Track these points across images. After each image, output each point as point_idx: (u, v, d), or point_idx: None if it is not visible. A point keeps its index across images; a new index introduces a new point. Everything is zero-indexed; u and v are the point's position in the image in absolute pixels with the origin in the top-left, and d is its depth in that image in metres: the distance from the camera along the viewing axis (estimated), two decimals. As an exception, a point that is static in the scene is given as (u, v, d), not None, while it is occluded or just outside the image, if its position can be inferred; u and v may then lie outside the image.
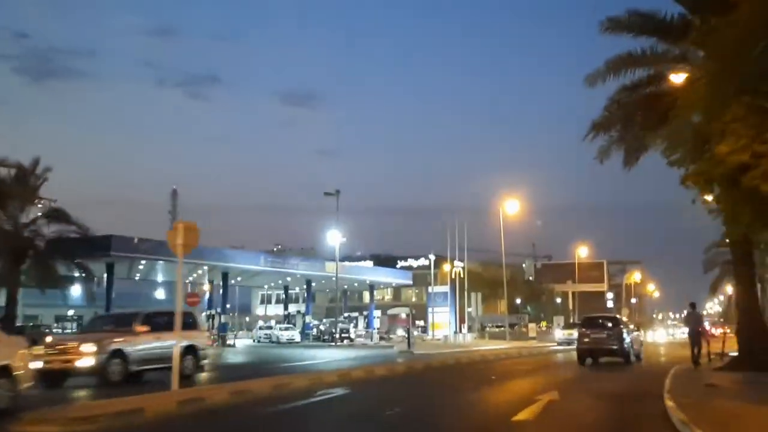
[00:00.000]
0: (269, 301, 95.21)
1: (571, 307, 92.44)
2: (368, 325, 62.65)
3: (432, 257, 65.81)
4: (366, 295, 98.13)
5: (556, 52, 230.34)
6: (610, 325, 24.27)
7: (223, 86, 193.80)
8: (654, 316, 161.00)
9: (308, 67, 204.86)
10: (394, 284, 67.04)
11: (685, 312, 29.76)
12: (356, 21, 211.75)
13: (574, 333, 31.02)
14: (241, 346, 47.92)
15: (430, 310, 69.77)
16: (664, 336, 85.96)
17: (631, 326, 32.34)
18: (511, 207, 52.90)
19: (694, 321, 22.79)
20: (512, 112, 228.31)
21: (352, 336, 55.65)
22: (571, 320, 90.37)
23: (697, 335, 21.87)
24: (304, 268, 56.78)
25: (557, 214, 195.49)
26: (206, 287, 58.37)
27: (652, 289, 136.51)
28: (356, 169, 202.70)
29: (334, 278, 49.98)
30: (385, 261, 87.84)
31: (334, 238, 48.19)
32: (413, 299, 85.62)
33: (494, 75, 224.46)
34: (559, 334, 50.12)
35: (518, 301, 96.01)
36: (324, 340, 54.61)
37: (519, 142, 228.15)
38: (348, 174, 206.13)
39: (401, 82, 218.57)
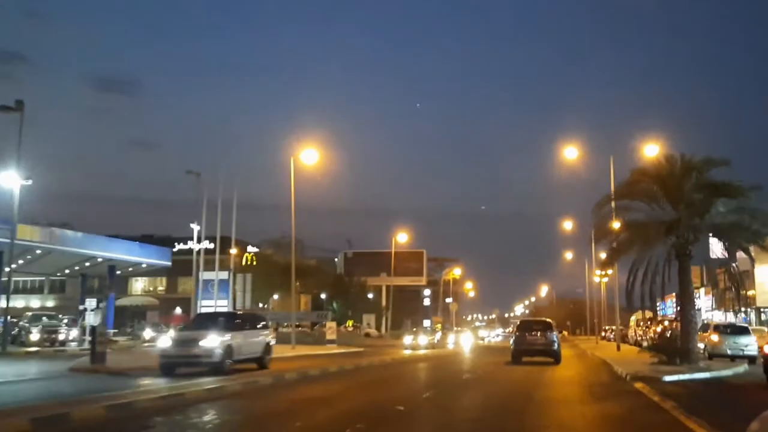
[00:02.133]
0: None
1: (384, 303, 78.88)
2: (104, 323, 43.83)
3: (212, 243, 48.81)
4: (134, 283, 77.55)
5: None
6: (543, 329, 26.13)
7: (29, 66, 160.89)
8: (464, 317, 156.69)
9: (126, 52, 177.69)
10: (144, 265, 48.72)
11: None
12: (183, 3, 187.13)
13: (422, 338, 42.65)
14: None
15: (202, 303, 52.31)
16: (470, 340, 71.43)
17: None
18: (309, 157, 37.30)
19: None
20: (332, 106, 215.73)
21: (68, 337, 37.28)
22: (384, 320, 77.77)
23: None
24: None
25: (382, 213, 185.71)
26: None
27: (470, 288, 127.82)
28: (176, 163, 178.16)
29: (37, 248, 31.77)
30: (160, 243, 69.90)
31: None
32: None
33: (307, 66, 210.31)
34: (408, 339, 45.47)
35: (323, 296, 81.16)
36: (22, 343, 35.72)
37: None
38: (168, 166, 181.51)
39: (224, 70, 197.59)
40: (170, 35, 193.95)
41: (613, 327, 77.74)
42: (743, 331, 26.89)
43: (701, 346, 28.33)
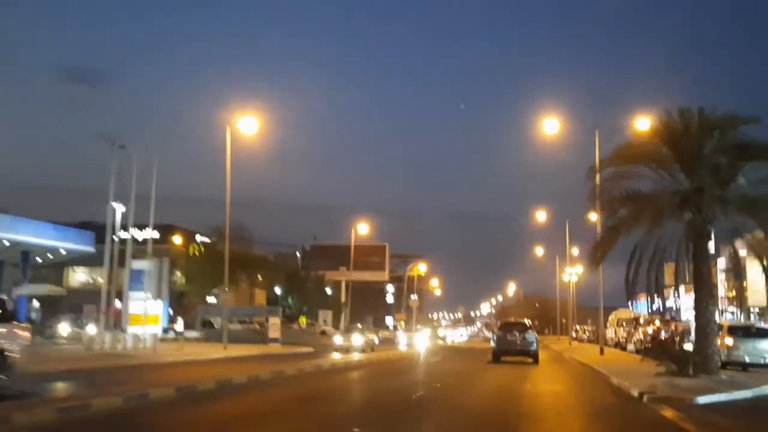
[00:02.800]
0: None
1: (343, 299, 73.64)
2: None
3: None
4: (72, 274, 71.07)
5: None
6: (522, 330, 26.47)
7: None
8: (430, 315, 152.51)
9: (94, 42, 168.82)
10: (63, 251, 42.64)
11: None
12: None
13: (357, 338, 33.87)
14: None
15: (131, 295, 46.45)
16: (427, 340, 64.11)
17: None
18: (247, 126, 32.04)
19: None
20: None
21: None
22: (343, 317, 72.57)
23: None
24: None
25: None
26: None
27: (436, 285, 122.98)
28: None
29: None
30: (98, 230, 63.82)
31: None
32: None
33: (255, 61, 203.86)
34: (339, 339, 35.84)
35: (278, 290, 75.62)
36: None
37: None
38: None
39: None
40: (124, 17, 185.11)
41: (586, 327, 74.28)
42: (766, 334, 22.12)
43: (689, 348, 23.82)
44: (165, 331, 45.02)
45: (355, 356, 28.60)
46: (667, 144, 17.53)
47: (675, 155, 17.47)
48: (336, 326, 69.88)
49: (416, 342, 42.77)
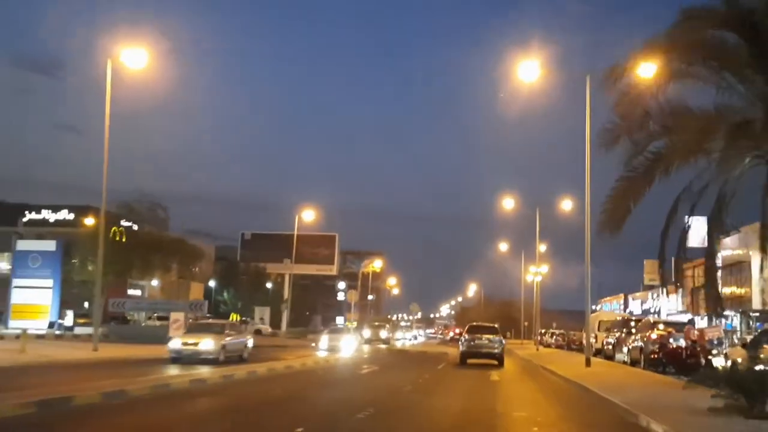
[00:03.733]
0: None
1: (285, 296, 66.04)
2: None
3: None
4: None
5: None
6: (489, 333, 26.45)
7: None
8: (389, 316, 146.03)
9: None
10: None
11: None
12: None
13: (207, 342, 20.65)
14: None
15: (15, 282, 38.39)
16: (354, 342, 50.56)
17: None
18: (134, 58, 24.24)
19: None
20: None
21: None
22: (285, 315, 64.98)
23: None
24: None
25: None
26: None
27: (393, 284, 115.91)
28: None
29: None
30: (8, 210, 56.04)
31: None
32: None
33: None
34: (176, 344, 21.22)
35: (212, 283, 67.86)
36: None
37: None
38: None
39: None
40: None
41: (554, 330, 67.85)
42: None
43: (719, 363, 17.08)
44: (51, 326, 37.13)
45: (204, 371, 17.11)
46: (736, 29, 10.51)
47: (749, 48, 10.45)
48: (276, 325, 62.49)
49: (343, 345, 33.19)
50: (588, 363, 22.16)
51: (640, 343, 22.24)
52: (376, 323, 50.80)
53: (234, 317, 52.99)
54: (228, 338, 21.65)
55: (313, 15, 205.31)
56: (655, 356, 19.55)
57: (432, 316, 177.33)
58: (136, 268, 41.00)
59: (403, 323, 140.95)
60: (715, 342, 16.95)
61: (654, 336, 21.05)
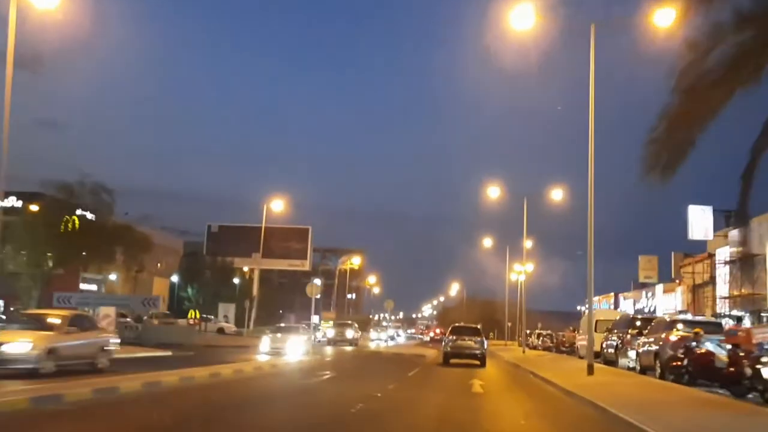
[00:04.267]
0: None
1: (254, 292, 61.72)
2: None
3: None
4: None
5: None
6: (472, 334, 27.00)
7: None
8: (370, 316, 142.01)
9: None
10: None
11: None
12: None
13: (19, 345, 14.03)
14: None
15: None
16: (303, 345, 42.70)
17: None
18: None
19: None
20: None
21: None
22: (253, 313, 60.60)
23: None
24: None
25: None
26: None
27: (374, 282, 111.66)
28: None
29: None
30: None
31: None
32: None
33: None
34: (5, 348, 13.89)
35: (175, 278, 63.38)
36: None
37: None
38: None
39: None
40: None
41: (541, 331, 63.97)
42: None
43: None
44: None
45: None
46: None
47: None
48: (242, 324, 58.12)
49: (290, 347, 27.48)
50: (590, 370, 18.10)
51: (653, 347, 18.21)
52: (341, 322, 45.02)
53: (192, 314, 48.59)
54: (65, 338, 15.05)
55: (294, 9, 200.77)
56: (678, 363, 15.53)
57: (414, 316, 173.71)
58: (73, 257, 36.29)
59: (384, 323, 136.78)
60: (766, 347, 12.99)
61: (673, 338, 17.04)
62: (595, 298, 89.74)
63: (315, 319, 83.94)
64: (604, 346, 24.99)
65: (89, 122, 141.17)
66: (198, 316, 48.68)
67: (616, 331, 24.42)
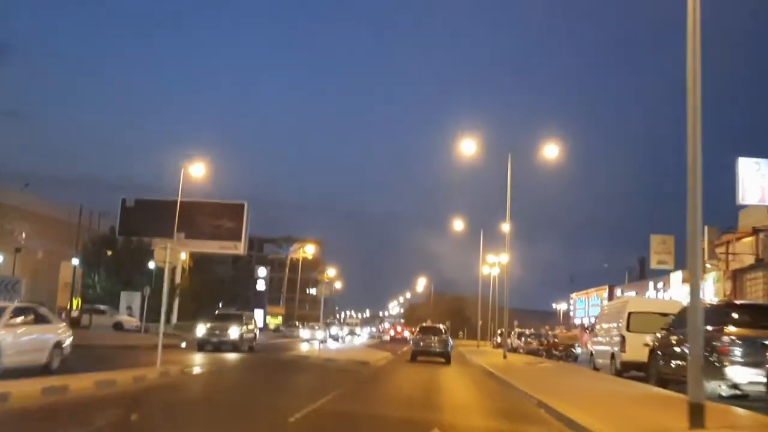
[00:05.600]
0: None
1: (178, 280, 50.81)
2: None
3: None
4: None
5: None
6: (438, 333, 28.53)
7: None
8: (337, 313, 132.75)
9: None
10: None
11: None
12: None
13: None
14: None
15: None
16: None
17: None
18: None
19: None
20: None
21: None
22: (175, 306, 49.68)
23: None
24: None
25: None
26: None
27: (333, 275, 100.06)
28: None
29: None
30: None
31: None
32: None
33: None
34: None
35: (75, 261, 51.99)
36: None
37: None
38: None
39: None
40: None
41: (523, 330, 54.18)
42: None
43: None
44: None
45: None
46: None
47: None
48: (155, 318, 47.32)
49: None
50: (698, 418, 7.85)
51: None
52: (223, 313, 32.06)
53: (75, 304, 37.75)
54: None
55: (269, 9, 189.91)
56: None
57: (381, 314, 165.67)
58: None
59: (350, 320, 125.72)
60: None
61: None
62: (582, 293, 79.79)
63: (259, 313, 72.80)
64: (658, 356, 14.69)
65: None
66: (78, 306, 37.82)
67: (677, 330, 14.17)
